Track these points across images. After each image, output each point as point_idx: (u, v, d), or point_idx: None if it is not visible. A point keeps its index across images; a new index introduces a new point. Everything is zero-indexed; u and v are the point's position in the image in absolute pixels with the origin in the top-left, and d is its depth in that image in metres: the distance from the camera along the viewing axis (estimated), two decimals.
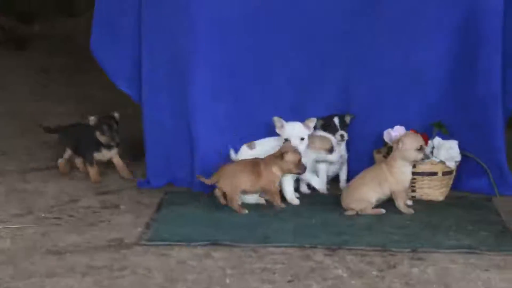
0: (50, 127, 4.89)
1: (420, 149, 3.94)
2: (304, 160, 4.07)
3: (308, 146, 4.16)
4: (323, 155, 4.21)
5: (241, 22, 4.30)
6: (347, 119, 4.31)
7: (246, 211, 4.02)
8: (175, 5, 4.29)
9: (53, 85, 6.82)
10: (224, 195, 4.07)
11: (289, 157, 4.00)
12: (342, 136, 4.28)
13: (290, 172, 4.04)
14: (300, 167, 4.02)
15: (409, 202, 4.09)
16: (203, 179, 4.09)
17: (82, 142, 4.60)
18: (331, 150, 4.21)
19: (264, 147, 4.19)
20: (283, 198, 4.14)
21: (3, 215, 4.01)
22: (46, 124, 4.95)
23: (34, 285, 3.21)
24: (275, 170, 4.04)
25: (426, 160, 4.10)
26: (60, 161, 4.74)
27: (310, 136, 4.17)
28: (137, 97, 4.49)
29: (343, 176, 4.38)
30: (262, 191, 4.10)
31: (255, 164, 4.05)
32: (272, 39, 4.33)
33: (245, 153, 4.20)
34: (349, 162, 4.39)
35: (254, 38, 4.32)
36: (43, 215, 4.02)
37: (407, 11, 4.27)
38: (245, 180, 4.03)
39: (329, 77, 4.39)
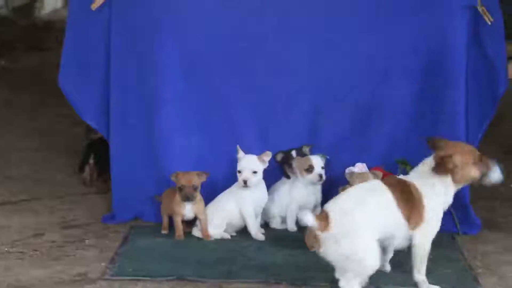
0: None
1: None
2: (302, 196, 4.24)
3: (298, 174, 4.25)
4: (307, 176, 4.24)
5: (206, 58, 4.36)
6: (305, 150, 4.35)
7: (165, 232, 4.21)
8: (142, 43, 4.33)
9: (18, 119, 6.78)
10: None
11: (177, 180, 4.12)
12: None
13: (179, 197, 4.12)
14: (182, 194, 4.10)
15: None
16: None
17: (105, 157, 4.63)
18: (309, 170, 4.23)
19: None
20: (246, 234, 4.16)
21: None
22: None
23: None
24: (176, 194, 4.15)
25: None
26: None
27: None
28: (105, 131, 4.50)
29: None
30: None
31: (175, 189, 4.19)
32: (236, 74, 4.38)
33: None
34: (325, 200, 4.37)
35: (219, 74, 4.37)
36: (6, 249, 3.98)
37: (372, 51, 4.35)
38: (165, 204, 4.22)
39: (295, 114, 4.44)
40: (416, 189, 3.49)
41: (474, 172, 3.52)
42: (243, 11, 4.36)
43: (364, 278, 3.41)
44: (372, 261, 3.37)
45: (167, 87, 4.34)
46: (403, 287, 3.56)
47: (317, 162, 4.26)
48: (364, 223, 3.38)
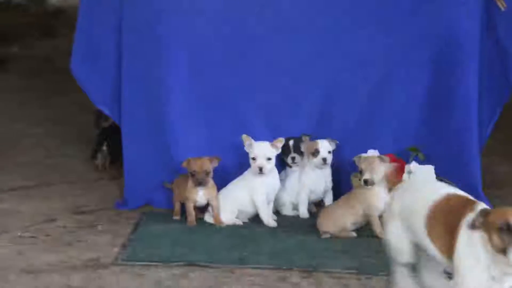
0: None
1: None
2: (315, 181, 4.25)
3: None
4: (313, 160, 4.24)
5: (215, 51, 4.36)
6: (305, 139, 4.33)
7: (177, 218, 4.21)
8: (149, 34, 4.33)
9: (31, 106, 6.80)
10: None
11: (188, 166, 4.11)
12: (293, 158, 4.31)
13: (192, 183, 4.11)
14: (194, 179, 4.10)
15: None
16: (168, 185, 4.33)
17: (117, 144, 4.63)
18: (314, 153, 4.23)
19: None
20: (259, 220, 4.16)
21: None
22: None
23: None
24: (189, 181, 4.14)
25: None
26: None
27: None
28: (117, 118, 4.51)
29: (328, 202, 4.34)
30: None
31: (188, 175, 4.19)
32: (243, 66, 4.38)
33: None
34: (337, 188, 4.40)
35: (228, 67, 4.37)
36: (18, 234, 4.00)
37: (382, 42, 4.33)
38: (178, 190, 4.23)
39: (305, 103, 4.44)
40: (463, 221, 2.82)
41: (496, 240, 2.71)
42: (249, 3, 4.34)
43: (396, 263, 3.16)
44: (392, 250, 3.10)
45: (174, 78, 4.34)
46: (413, 273, 3.54)
47: (324, 146, 4.26)
48: (396, 213, 3.06)
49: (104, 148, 5.03)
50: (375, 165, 3.98)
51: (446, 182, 4.21)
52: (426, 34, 4.30)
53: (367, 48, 4.35)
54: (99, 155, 5.05)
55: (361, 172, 4.00)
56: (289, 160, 4.33)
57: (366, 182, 3.95)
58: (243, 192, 4.20)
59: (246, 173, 4.25)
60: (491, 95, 4.40)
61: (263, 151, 4.15)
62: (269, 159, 4.16)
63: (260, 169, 4.13)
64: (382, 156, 4.06)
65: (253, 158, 4.16)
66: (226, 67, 4.37)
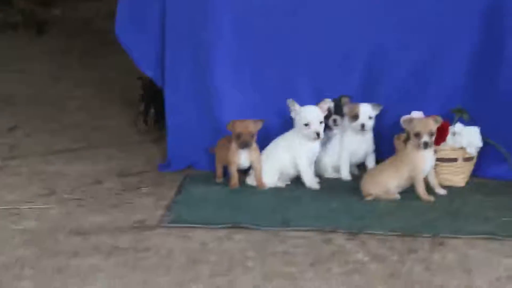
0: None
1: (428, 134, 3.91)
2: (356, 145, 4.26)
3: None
4: (352, 123, 4.24)
5: (261, 13, 4.34)
6: (344, 101, 4.29)
7: (220, 180, 4.25)
8: None
9: (72, 68, 6.86)
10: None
11: (233, 128, 4.10)
12: (335, 120, 4.29)
13: (236, 145, 4.11)
14: (238, 141, 4.09)
15: (442, 191, 4.05)
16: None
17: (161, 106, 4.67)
18: (354, 117, 4.23)
19: None
20: (301, 183, 4.17)
21: (26, 196, 4.06)
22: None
23: (59, 263, 3.25)
24: (233, 143, 4.14)
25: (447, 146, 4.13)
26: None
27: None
28: (160, 80, 4.53)
29: (370, 165, 4.34)
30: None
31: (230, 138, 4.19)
32: (292, 29, 4.36)
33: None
34: (378, 149, 4.36)
35: (274, 28, 4.36)
36: (66, 196, 4.07)
37: (431, 6, 4.28)
38: (220, 153, 4.23)
39: (350, 66, 4.41)
40: None
41: None
42: None
43: None
44: None
45: (218, 40, 4.33)
46: (458, 234, 3.54)
47: (365, 111, 4.23)
48: None
49: (151, 110, 5.05)
50: (431, 127, 3.93)
51: (491, 143, 4.22)
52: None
53: (416, 11, 4.30)
54: (142, 118, 5.08)
55: (417, 135, 3.91)
56: (330, 122, 4.31)
57: (426, 144, 3.90)
58: (284, 154, 4.20)
59: (286, 134, 4.25)
60: None
61: (315, 116, 4.13)
62: (321, 122, 4.14)
63: (317, 134, 4.12)
64: (436, 117, 3.99)
65: (306, 124, 4.14)
66: (271, 30, 4.35)
